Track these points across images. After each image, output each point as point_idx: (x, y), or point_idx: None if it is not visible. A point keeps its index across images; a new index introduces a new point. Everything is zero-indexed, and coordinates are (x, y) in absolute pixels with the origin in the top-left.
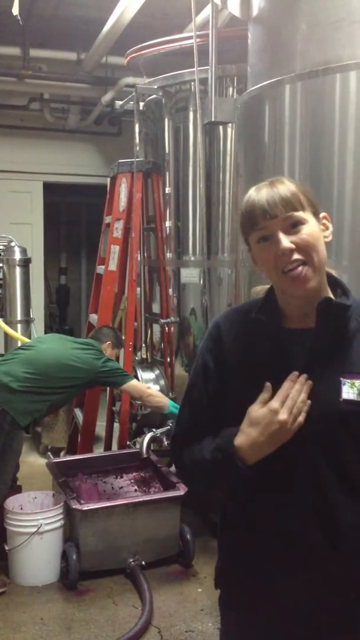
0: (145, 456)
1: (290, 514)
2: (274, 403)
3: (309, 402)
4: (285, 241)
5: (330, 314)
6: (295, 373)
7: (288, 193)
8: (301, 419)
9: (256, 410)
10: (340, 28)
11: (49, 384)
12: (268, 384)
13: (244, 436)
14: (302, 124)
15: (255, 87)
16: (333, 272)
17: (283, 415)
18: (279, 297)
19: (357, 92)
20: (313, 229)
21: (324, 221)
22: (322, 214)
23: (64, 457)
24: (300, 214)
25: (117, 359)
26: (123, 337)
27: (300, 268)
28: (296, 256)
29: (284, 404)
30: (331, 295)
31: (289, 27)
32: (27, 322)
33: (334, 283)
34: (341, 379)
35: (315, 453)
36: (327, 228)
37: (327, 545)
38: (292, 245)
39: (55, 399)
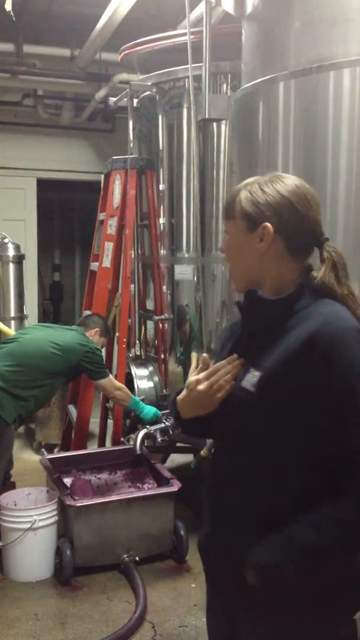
0: (139, 452)
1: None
2: (201, 375)
3: (233, 382)
4: (221, 243)
5: (252, 305)
6: (235, 355)
7: (226, 202)
8: (219, 395)
9: (191, 376)
10: (334, 26)
11: (32, 376)
12: (205, 358)
13: (181, 395)
14: (295, 121)
15: (249, 84)
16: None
17: (201, 387)
18: None
19: (351, 89)
20: (234, 241)
21: (263, 232)
22: (264, 224)
23: (57, 454)
24: (229, 222)
25: (103, 347)
26: (117, 334)
27: (230, 270)
28: (226, 260)
29: (210, 377)
30: (283, 292)
31: (282, 24)
32: (21, 318)
33: (304, 282)
34: (250, 368)
35: (228, 431)
36: (261, 240)
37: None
38: (222, 248)
39: (40, 392)
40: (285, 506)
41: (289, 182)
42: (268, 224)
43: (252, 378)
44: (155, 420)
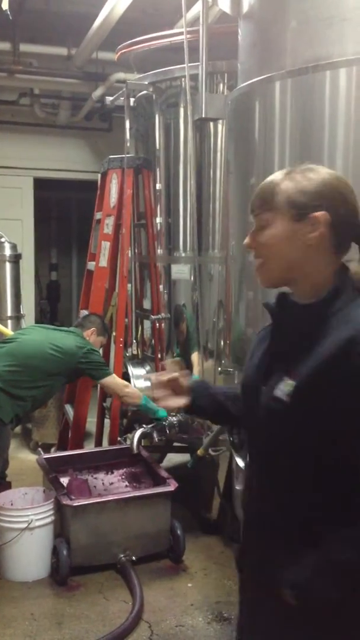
0: (136, 452)
1: (250, 496)
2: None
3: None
4: (247, 239)
5: (284, 310)
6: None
7: (262, 191)
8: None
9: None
10: (331, 25)
11: (31, 376)
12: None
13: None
14: (292, 121)
15: (246, 83)
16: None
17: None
18: None
19: (347, 89)
20: (275, 232)
21: (314, 223)
22: (316, 213)
23: (54, 453)
24: (267, 214)
25: (102, 346)
26: (114, 334)
27: (258, 268)
28: (254, 256)
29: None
30: (316, 295)
31: (279, 23)
32: (18, 318)
33: (340, 283)
34: (283, 376)
35: (263, 441)
36: (313, 230)
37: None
38: (250, 244)
39: (38, 393)
40: (320, 519)
41: (330, 172)
42: (322, 213)
43: (285, 387)
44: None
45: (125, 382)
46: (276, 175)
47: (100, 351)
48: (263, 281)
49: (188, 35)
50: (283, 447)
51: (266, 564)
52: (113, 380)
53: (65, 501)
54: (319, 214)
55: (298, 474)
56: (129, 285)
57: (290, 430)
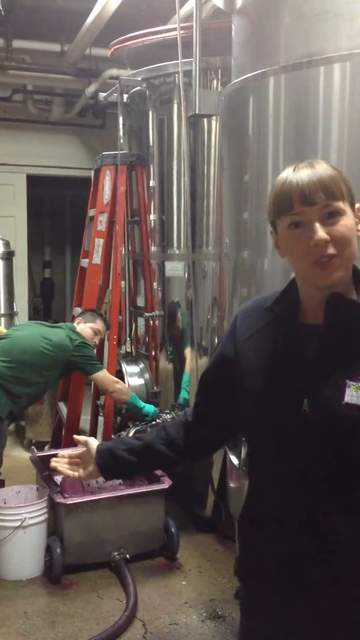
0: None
1: (284, 516)
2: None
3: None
4: (322, 232)
5: (339, 310)
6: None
7: (330, 179)
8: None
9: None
10: (325, 20)
11: (26, 372)
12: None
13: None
14: (286, 116)
15: (239, 79)
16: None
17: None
18: (300, 288)
19: (341, 84)
20: (350, 221)
21: (359, 213)
22: (358, 205)
23: (48, 451)
24: (339, 203)
25: (97, 334)
26: (107, 331)
27: (331, 262)
28: (330, 250)
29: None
30: (352, 290)
31: (272, 19)
32: (11, 315)
33: (357, 278)
34: (347, 381)
35: (314, 457)
36: (357, 223)
37: (317, 552)
38: (328, 237)
39: (32, 390)
40: None
41: None
42: None
43: (357, 392)
44: (151, 417)
45: (116, 379)
46: (317, 165)
47: (96, 345)
48: (335, 278)
49: (182, 31)
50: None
51: (343, 583)
52: (104, 375)
53: (59, 499)
54: (359, 205)
55: None
56: (123, 282)
57: None
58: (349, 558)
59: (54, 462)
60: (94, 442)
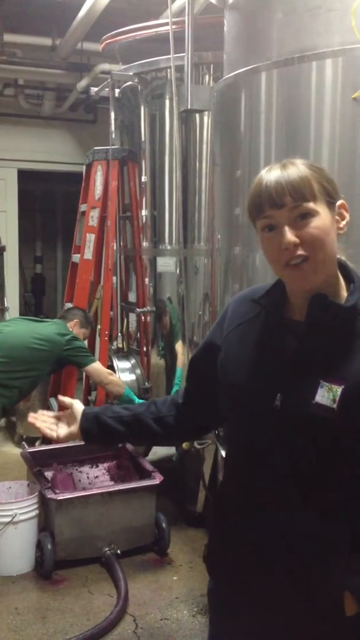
0: (120, 445)
1: (248, 504)
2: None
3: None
4: (289, 235)
5: (320, 312)
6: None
7: (299, 180)
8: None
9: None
10: (317, 16)
11: (16, 367)
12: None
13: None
14: (278, 112)
15: (231, 74)
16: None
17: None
18: (286, 285)
19: (333, 80)
20: (323, 222)
21: (341, 210)
22: (339, 202)
23: (39, 447)
24: (310, 205)
25: (85, 338)
26: (99, 327)
27: (302, 264)
28: (300, 251)
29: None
30: (343, 290)
31: (265, 14)
32: (2, 311)
33: (348, 276)
34: (320, 380)
35: (282, 453)
36: (342, 218)
37: (282, 546)
38: (296, 240)
39: (23, 384)
40: None
41: None
42: (343, 201)
43: (328, 393)
44: None
45: (110, 371)
46: (289, 166)
47: (85, 343)
48: (310, 281)
49: (174, 26)
50: (328, 460)
51: (317, 579)
52: (98, 367)
53: (50, 495)
54: (342, 201)
55: (346, 487)
56: (114, 278)
57: (337, 441)
58: (309, 554)
59: (31, 417)
60: (79, 405)
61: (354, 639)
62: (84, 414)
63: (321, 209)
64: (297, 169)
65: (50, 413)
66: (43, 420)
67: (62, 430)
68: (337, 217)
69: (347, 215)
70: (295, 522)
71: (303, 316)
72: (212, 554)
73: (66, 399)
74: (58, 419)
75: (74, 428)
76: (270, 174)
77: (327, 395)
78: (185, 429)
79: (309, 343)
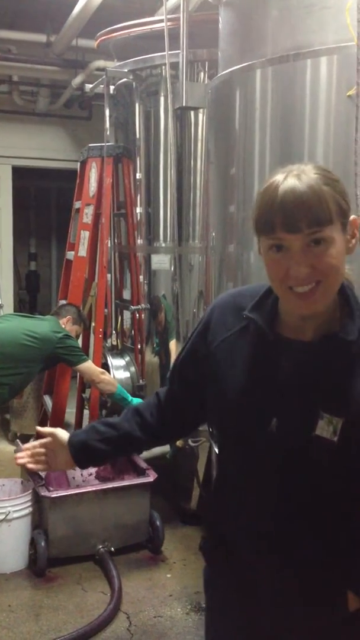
0: None
1: (242, 513)
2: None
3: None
4: (304, 267)
5: (329, 350)
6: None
7: (317, 202)
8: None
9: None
10: (312, 13)
11: (7, 363)
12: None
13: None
14: (272, 109)
15: (226, 71)
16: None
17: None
18: (280, 301)
19: (328, 77)
20: (337, 249)
21: (352, 228)
22: (351, 218)
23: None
24: (326, 231)
25: (78, 336)
26: (93, 324)
27: (312, 292)
28: (310, 281)
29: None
30: (336, 312)
31: (260, 11)
32: None
33: (344, 297)
34: (321, 412)
35: (274, 475)
36: (352, 237)
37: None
38: (309, 271)
39: (14, 381)
40: None
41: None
42: (355, 217)
43: (328, 425)
44: None
45: (102, 370)
46: (306, 180)
47: (79, 342)
48: (318, 307)
49: (169, 23)
50: (326, 491)
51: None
52: (90, 366)
53: (44, 492)
54: (353, 217)
55: (347, 517)
56: (109, 275)
57: (336, 474)
58: (292, 573)
59: (19, 461)
60: (61, 433)
61: (355, 632)
62: (72, 443)
63: (336, 234)
64: (315, 184)
65: (35, 443)
66: (28, 458)
67: (53, 462)
68: (348, 236)
69: (358, 234)
70: (286, 542)
71: (297, 334)
72: (208, 544)
73: (45, 430)
74: (45, 447)
75: (65, 458)
76: (285, 189)
77: (327, 427)
78: (171, 430)
79: (307, 371)
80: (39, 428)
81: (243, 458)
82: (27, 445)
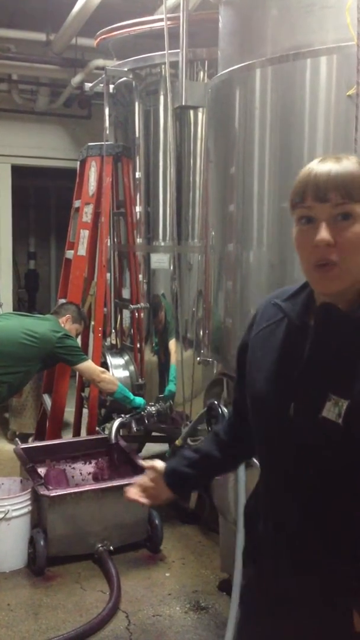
0: (114, 442)
1: (267, 510)
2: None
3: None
4: (325, 232)
5: (329, 322)
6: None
7: (350, 177)
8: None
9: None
10: (311, 13)
11: (5, 362)
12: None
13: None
14: (272, 109)
15: (226, 71)
16: None
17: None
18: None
19: (328, 77)
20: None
21: None
22: None
23: (32, 443)
24: (355, 206)
25: (78, 334)
26: (92, 323)
27: (330, 268)
28: (332, 255)
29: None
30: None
31: (260, 11)
32: None
33: None
34: (329, 393)
35: (295, 462)
36: None
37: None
38: (331, 240)
39: (12, 379)
40: None
41: None
42: None
43: (334, 407)
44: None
45: (102, 369)
46: (344, 162)
47: (79, 340)
48: (335, 286)
49: (168, 22)
50: (333, 474)
51: (324, 592)
52: (89, 365)
53: (43, 491)
54: None
55: (354, 502)
56: (108, 274)
57: (341, 456)
58: (317, 565)
59: (130, 495)
60: (159, 464)
61: None
62: (165, 473)
63: None
64: (352, 165)
65: (141, 481)
66: (143, 492)
67: (158, 495)
68: None
69: None
70: (300, 536)
71: None
72: (245, 549)
73: (146, 464)
74: (153, 481)
75: (166, 489)
76: (322, 165)
77: (333, 409)
78: (246, 442)
79: (319, 352)
80: (142, 462)
81: (265, 447)
82: (139, 481)
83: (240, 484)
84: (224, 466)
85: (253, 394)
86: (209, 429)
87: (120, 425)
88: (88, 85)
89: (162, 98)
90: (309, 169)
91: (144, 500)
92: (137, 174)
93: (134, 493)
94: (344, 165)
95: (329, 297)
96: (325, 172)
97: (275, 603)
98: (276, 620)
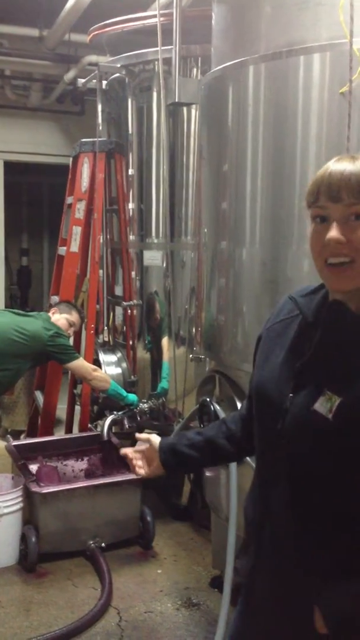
0: (106, 439)
1: (259, 505)
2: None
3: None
4: (335, 231)
5: (338, 318)
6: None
7: None
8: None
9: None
10: (305, 10)
11: None
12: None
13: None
14: (265, 106)
15: (219, 67)
16: None
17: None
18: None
19: (321, 74)
20: None
21: None
22: None
23: (23, 440)
24: None
25: (72, 326)
26: (85, 320)
27: (344, 267)
28: (343, 255)
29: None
30: None
31: (253, 8)
32: None
33: None
34: (325, 389)
35: (287, 456)
36: None
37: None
38: (343, 239)
39: (3, 376)
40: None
41: None
42: None
43: (327, 402)
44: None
45: (94, 366)
46: (351, 157)
47: (71, 336)
48: (347, 284)
49: (162, 18)
50: (320, 466)
51: (293, 588)
52: (81, 363)
53: (34, 488)
54: None
55: (335, 494)
56: (101, 271)
57: (329, 451)
58: (306, 561)
59: (125, 451)
60: (156, 439)
61: None
62: (161, 446)
63: None
64: None
65: (137, 448)
66: (134, 457)
67: (147, 468)
68: None
69: None
70: (286, 530)
71: None
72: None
73: (142, 436)
74: (142, 452)
75: (156, 464)
76: (337, 164)
77: (325, 404)
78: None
79: (323, 347)
80: (138, 435)
81: (262, 437)
82: (128, 450)
83: (232, 481)
84: (225, 455)
85: (257, 384)
86: (201, 426)
87: (113, 422)
88: (81, 81)
89: (155, 94)
90: (325, 167)
91: (140, 470)
92: (130, 171)
93: (132, 456)
94: (358, 165)
95: (341, 295)
96: (339, 172)
97: (272, 599)
98: (272, 616)
